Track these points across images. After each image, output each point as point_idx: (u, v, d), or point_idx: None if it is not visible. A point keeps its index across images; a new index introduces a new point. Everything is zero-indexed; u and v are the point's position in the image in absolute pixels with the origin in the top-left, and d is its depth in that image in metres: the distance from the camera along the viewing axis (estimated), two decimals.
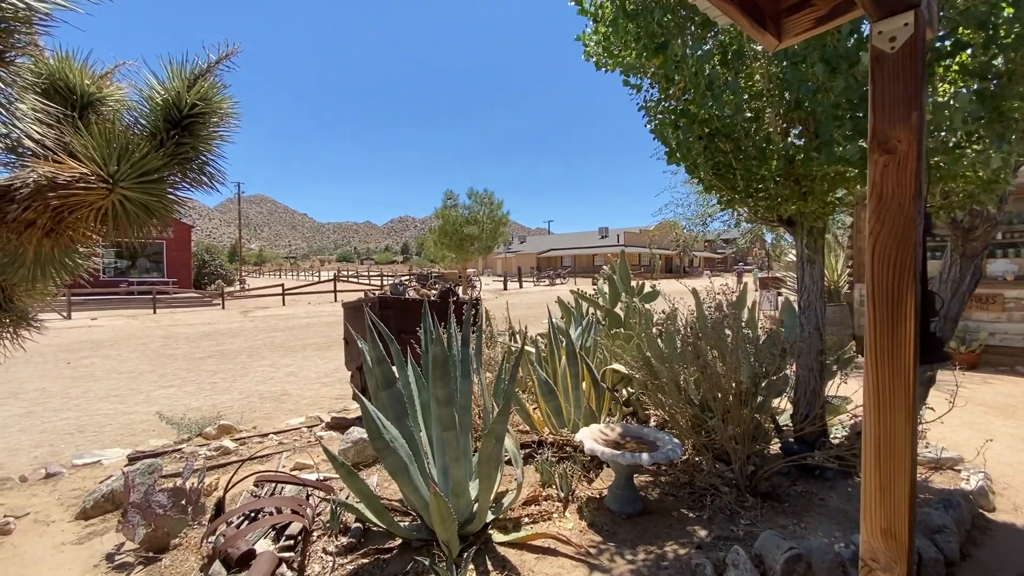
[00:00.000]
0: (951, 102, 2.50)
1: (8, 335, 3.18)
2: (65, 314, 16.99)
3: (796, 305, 3.68)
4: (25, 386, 7.25)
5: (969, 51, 2.55)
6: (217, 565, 2.29)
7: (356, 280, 38.75)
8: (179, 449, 3.94)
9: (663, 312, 4.50)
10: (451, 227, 29.52)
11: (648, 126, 3.70)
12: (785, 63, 3.01)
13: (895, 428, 1.19)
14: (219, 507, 2.68)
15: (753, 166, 3.27)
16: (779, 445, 3.53)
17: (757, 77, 3.56)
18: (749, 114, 3.31)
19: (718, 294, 3.71)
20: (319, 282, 30.29)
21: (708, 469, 3.11)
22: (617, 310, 5.06)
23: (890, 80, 1.19)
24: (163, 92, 2.47)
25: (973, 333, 7.55)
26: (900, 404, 1.18)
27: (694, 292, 4.14)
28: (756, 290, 13.54)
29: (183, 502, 2.76)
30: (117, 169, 2.17)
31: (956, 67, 2.59)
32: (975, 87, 2.61)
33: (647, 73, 3.72)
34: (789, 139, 3.33)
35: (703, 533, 2.63)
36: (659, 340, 3.77)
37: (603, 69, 3.77)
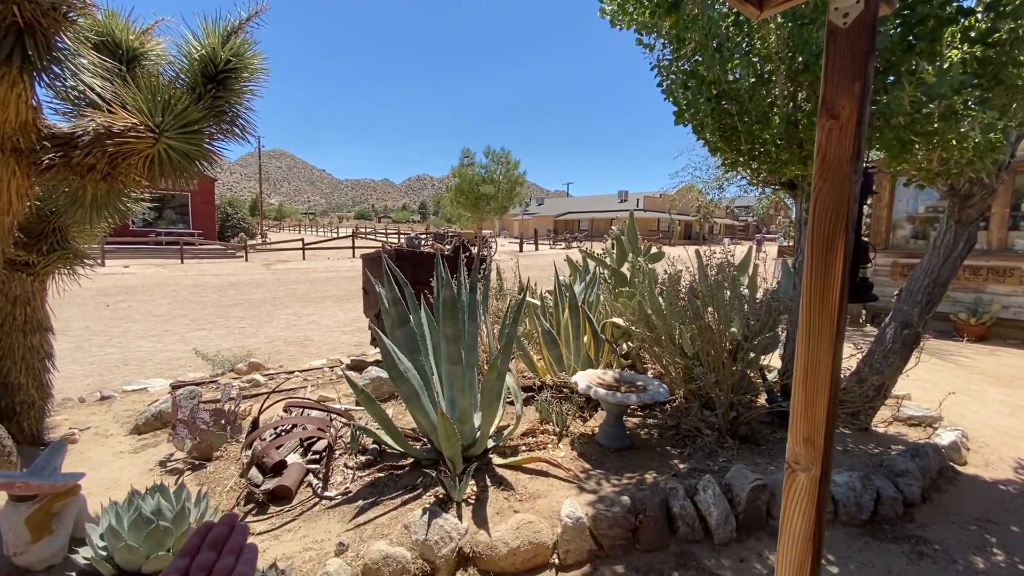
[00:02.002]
0: (950, 69, 2.57)
1: (65, 271, 3.55)
2: (100, 261, 17.74)
3: (792, 266, 3.84)
4: (71, 324, 7.80)
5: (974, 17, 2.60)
6: (254, 470, 2.66)
7: (374, 237, 39.23)
8: (215, 380, 4.35)
9: (667, 272, 4.68)
10: (467, 186, 29.47)
11: (660, 86, 3.78)
12: (792, 25, 3.06)
13: (820, 354, 1.40)
14: (254, 425, 3.05)
15: (756, 129, 3.37)
16: (766, 398, 3.77)
17: (772, 38, 3.60)
18: (753, 78, 3.38)
19: (721, 257, 3.87)
20: (338, 238, 30.81)
21: (695, 414, 3.38)
22: (623, 270, 5.25)
23: (840, 53, 1.35)
24: (199, 48, 2.67)
25: (986, 305, 7.55)
26: (826, 335, 1.39)
27: (697, 253, 4.30)
28: (776, 258, 13.50)
29: (223, 421, 3.14)
30: (162, 120, 2.42)
31: (959, 33, 2.64)
32: (978, 53, 2.67)
33: (660, 32, 3.77)
34: (794, 103, 3.40)
35: (682, 466, 2.92)
36: (660, 297, 3.98)
37: (618, 26, 3.82)
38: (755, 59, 3.38)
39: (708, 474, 2.67)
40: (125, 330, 7.58)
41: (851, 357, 3.53)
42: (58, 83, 2.12)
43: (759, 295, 4.08)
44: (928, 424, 3.79)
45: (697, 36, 3.32)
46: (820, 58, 2.91)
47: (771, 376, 3.99)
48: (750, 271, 4.53)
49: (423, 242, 6.05)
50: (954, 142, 2.96)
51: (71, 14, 2.02)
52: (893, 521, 2.69)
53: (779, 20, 3.34)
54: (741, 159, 3.56)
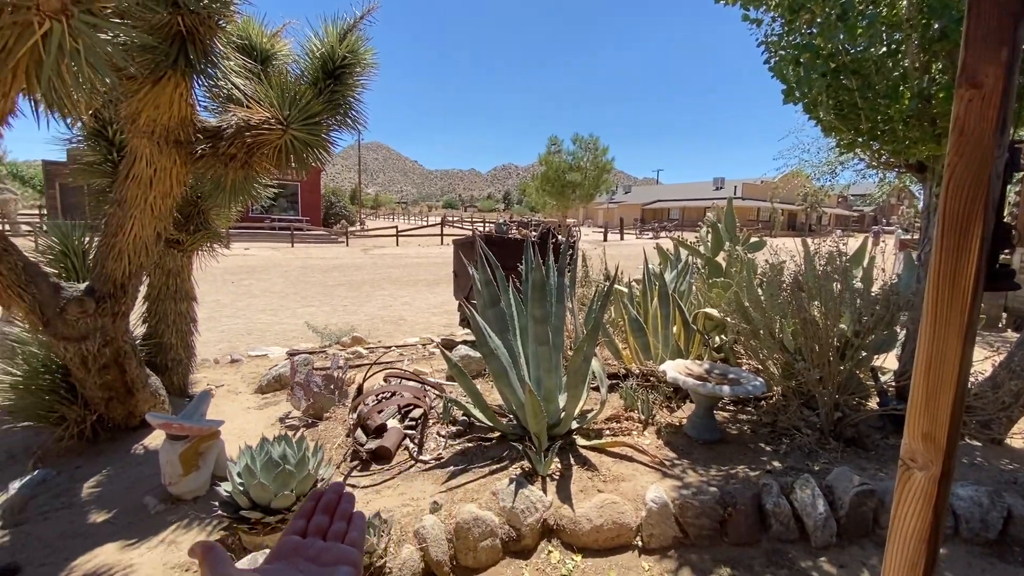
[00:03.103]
0: None
1: (206, 249, 4.08)
2: (226, 243, 20.03)
3: (917, 259, 3.46)
4: (204, 298, 8.86)
5: None
6: (359, 432, 2.93)
7: (460, 225, 40.50)
8: (323, 351, 4.81)
9: (768, 262, 4.41)
10: (554, 173, 29.39)
11: (767, 63, 3.55)
12: None
13: (947, 345, 1.30)
14: (359, 391, 3.34)
15: (881, 105, 3.06)
16: (877, 401, 3.46)
17: (904, 3, 3.24)
18: (884, 48, 3.06)
19: (831, 247, 3.58)
20: (427, 225, 32.22)
21: (793, 412, 3.18)
22: (719, 259, 5.01)
23: (985, 14, 1.22)
24: (320, 46, 2.94)
25: None
26: (955, 323, 1.29)
27: (804, 242, 4.01)
28: (896, 252, 12.08)
29: (332, 386, 3.48)
30: (289, 113, 2.70)
31: None
32: None
33: (771, 5, 3.53)
34: (928, 75, 3.04)
35: (777, 464, 2.79)
36: (759, 289, 3.77)
37: (722, 2, 3.63)
38: (882, 28, 3.06)
39: (807, 474, 2.53)
40: (247, 304, 8.55)
41: (985, 360, 3.14)
42: (210, 83, 2.46)
43: (875, 289, 3.73)
44: None
45: (815, 6, 3.07)
46: (961, 24, 2.58)
47: (885, 378, 3.64)
48: (864, 263, 4.14)
49: (510, 227, 6.22)
50: None
51: (221, 22, 2.33)
52: None
53: None
54: (860, 139, 3.26)
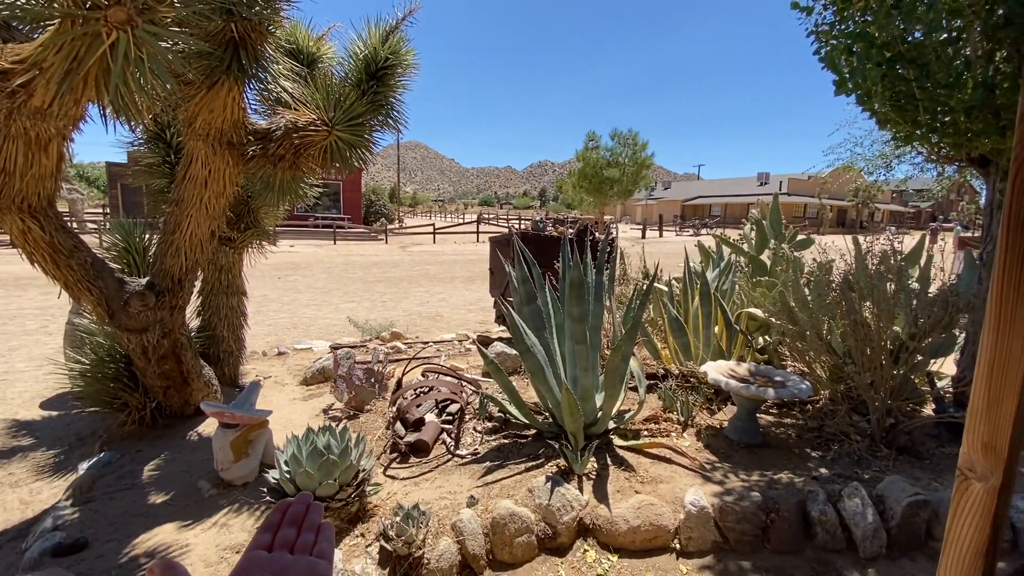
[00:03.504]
0: None
1: (256, 246, 4.26)
2: (273, 240, 20.84)
3: (978, 258, 3.25)
4: (252, 292, 9.24)
5: None
6: (398, 424, 3.00)
7: (496, 222, 40.72)
8: (364, 345, 4.95)
9: (815, 261, 4.24)
10: (591, 169, 29.10)
11: (817, 53, 3.41)
12: None
13: (1011, 349, 1.23)
14: (398, 385, 3.43)
15: (941, 95, 2.89)
16: (933, 408, 3.28)
17: None
18: (945, 35, 2.89)
19: (884, 245, 3.41)
20: (464, 223, 32.53)
21: (842, 417, 3.06)
22: (763, 258, 4.86)
23: None
24: (363, 48, 3.02)
25: None
26: (1020, 327, 1.22)
27: (855, 239, 3.83)
28: (954, 250, 11.37)
29: (372, 380, 3.57)
30: (334, 115, 2.78)
31: None
32: None
33: None
34: (992, 64, 2.85)
35: (824, 471, 2.68)
36: (805, 288, 3.63)
37: None
38: (942, 14, 2.89)
39: (856, 482, 2.43)
40: (293, 299, 8.88)
41: None
42: (261, 87, 2.57)
43: (932, 290, 3.52)
44: None
45: None
46: None
47: (942, 383, 3.45)
48: (922, 262, 3.92)
49: (547, 224, 6.22)
50: None
51: (271, 27, 2.42)
52: None
53: None
54: (918, 132, 3.09)
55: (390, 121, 3.21)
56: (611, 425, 2.99)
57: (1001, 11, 2.65)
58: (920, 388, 3.19)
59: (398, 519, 2.12)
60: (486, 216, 50.00)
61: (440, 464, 2.77)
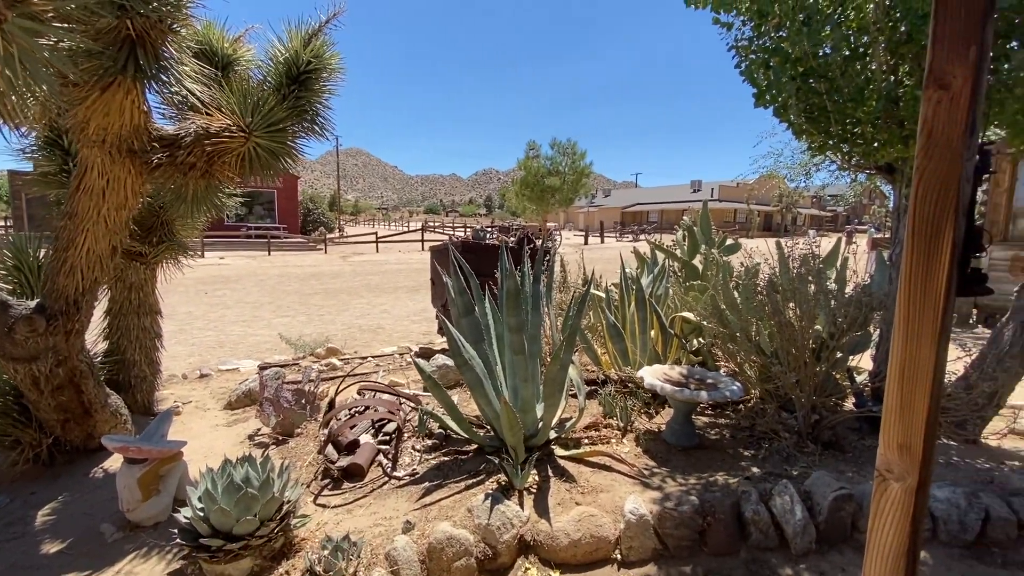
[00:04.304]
0: None
1: (171, 261, 3.93)
2: (200, 252, 19.58)
3: (888, 259, 3.50)
4: (176, 309, 8.68)
5: None
6: (330, 448, 2.83)
7: (442, 230, 40.34)
8: (296, 363, 4.67)
9: (743, 265, 4.43)
10: (532, 178, 29.48)
11: (738, 67, 3.56)
12: None
13: (920, 352, 1.27)
14: (331, 405, 3.24)
15: (849, 108, 3.09)
16: (854, 402, 3.48)
17: (870, 7, 3.29)
18: (848, 51, 3.09)
19: (805, 249, 3.60)
20: (408, 231, 31.97)
21: (771, 415, 3.18)
22: (695, 262, 5.02)
23: (952, 13, 1.20)
24: (284, 51, 2.85)
25: None
26: (928, 330, 1.26)
27: (778, 243, 4.03)
28: (868, 251, 12.34)
29: (303, 401, 3.36)
30: (252, 120, 2.60)
31: None
32: None
33: (740, 9, 3.55)
34: (895, 77, 3.08)
35: (756, 470, 2.76)
36: (735, 291, 3.77)
37: (693, 5, 3.63)
38: (848, 32, 3.10)
39: (785, 479, 2.51)
40: (221, 315, 8.32)
41: (957, 360, 3.17)
42: (164, 89, 2.35)
43: (848, 290, 3.76)
44: None
45: (781, 10, 3.09)
46: (926, 24, 2.62)
47: (860, 378, 3.67)
48: (838, 264, 4.18)
49: (489, 235, 6.18)
50: None
51: (175, 26, 2.22)
52: (1004, 544, 2.39)
53: None
54: (831, 142, 3.29)
55: (316, 127, 3.05)
56: (552, 435, 2.96)
57: (903, 28, 2.87)
58: (841, 384, 3.37)
59: (326, 553, 1.97)
60: (431, 224, 49.45)
61: (376, 488, 2.63)
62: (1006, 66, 2.60)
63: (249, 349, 6.07)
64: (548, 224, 31.69)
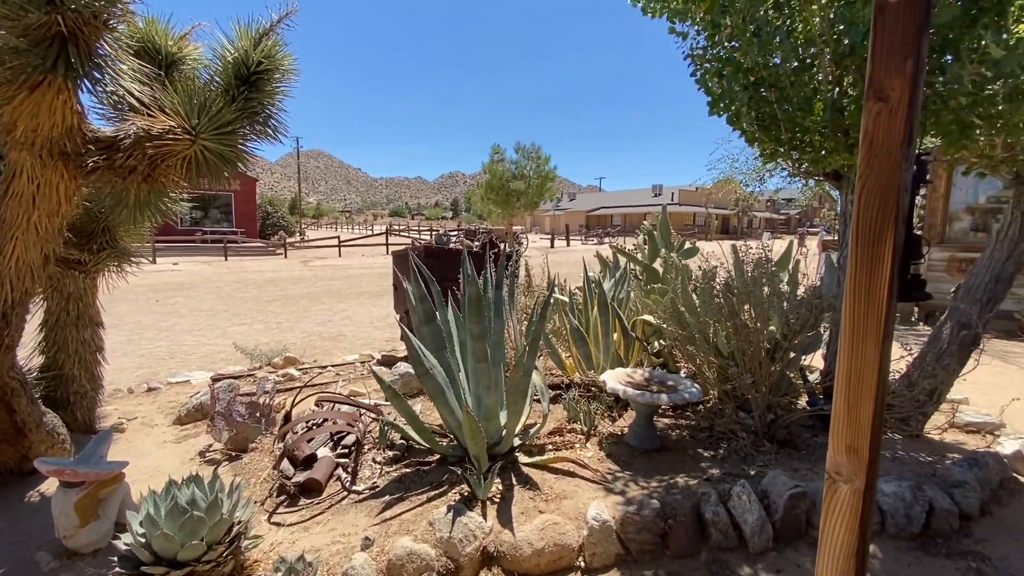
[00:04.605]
0: (1016, 44, 2.38)
1: (114, 269, 3.71)
2: (151, 259, 18.68)
3: (837, 262, 3.64)
4: (124, 319, 8.23)
5: None
6: (286, 463, 2.72)
7: (407, 234, 39.89)
8: (252, 374, 4.49)
9: (701, 268, 4.53)
10: (497, 182, 29.54)
11: (693, 76, 3.64)
12: (837, 3, 2.89)
13: (865, 357, 1.30)
14: (287, 418, 3.12)
15: (798, 116, 3.20)
16: (807, 401, 3.60)
17: (816, 20, 3.42)
18: (797, 62, 3.21)
19: (759, 252, 3.71)
20: (372, 235, 31.44)
21: (729, 416, 3.25)
22: (656, 266, 5.11)
23: (890, 28, 1.24)
24: (233, 51, 2.73)
25: None
26: (872, 336, 1.29)
27: (733, 248, 4.14)
28: (818, 253, 12.90)
29: (257, 414, 3.22)
30: (198, 122, 2.48)
31: None
32: None
33: (695, 19, 3.63)
34: (839, 88, 3.21)
35: (715, 470, 2.82)
36: (693, 294, 3.85)
37: (650, 14, 3.70)
38: (796, 43, 3.22)
39: (743, 479, 2.56)
40: (173, 324, 7.94)
41: (900, 359, 3.33)
42: (100, 88, 2.21)
43: (800, 292, 3.89)
44: (988, 431, 3.54)
45: (733, 21, 3.18)
46: (867, 38, 2.75)
47: (813, 377, 3.81)
48: (790, 267, 4.33)
49: (452, 239, 6.14)
50: (1021, 125, 2.73)
51: (111, 22, 2.10)
52: (948, 535, 2.51)
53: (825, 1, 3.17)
54: (781, 149, 3.40)
55: (269, 130, 2.93)
56: (516, 442, 2.94)
57: (846, 41, 2.99)
58: (795, 383, 3.48)
59: (279, 575, 1.88)
60: (396, 227, 48.81)
61: (334, 503, 2.54)
62: (941, 79, 2.74)
63: (202, 360, 5.80)
64: (515, 227, 31.80)
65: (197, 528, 1.90)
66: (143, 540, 1.90)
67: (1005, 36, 2.47)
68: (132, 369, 5.43)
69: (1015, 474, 3.14)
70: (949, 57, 2.83)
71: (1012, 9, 2.54)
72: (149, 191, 2.67)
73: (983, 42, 2.48)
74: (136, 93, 2.30)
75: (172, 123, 2.42)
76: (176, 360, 5.80)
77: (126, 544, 1.95)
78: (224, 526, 1.98)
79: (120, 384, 4.61)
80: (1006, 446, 3.27)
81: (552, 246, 31.38)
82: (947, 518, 2.56)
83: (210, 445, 3.20)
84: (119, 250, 3.61)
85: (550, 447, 3.01)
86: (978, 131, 2.82)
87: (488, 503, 2.45)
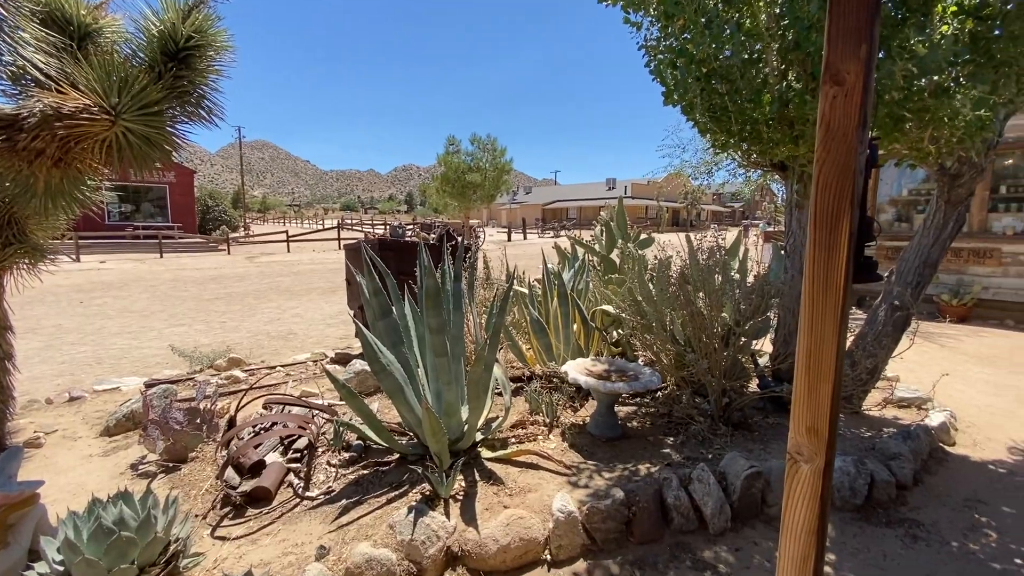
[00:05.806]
0: (941, 43, 2.50)
1: (25, 267, 3.35)
2: (74, 256, 17.24)
3: (782, 250, 3.78)
4: (42, 322, 7.53)
5: None
6: (231, 471, 2.53)
7: (360, 228, 38.81)
8: (192, 378, 4.19)
9: (657, 258, 4.60)
10: (453, 174, 29.14)
11: (648, 66, 3.66)
12: None
13: (824, 338, 1.31)
14: (231, 423, 2.91)
15: (747, 108, 3.27)
16: (758, 384, 3.72)
17: (763, 16, 3.49)
18: (747, 55, 3.28)
19: (711, 242, 3.79)
20: (323, 229, 30.35)
21: (687, 401, 3.31)
22: (613, 256, 5.16)
23: (846, 13, 1.24)
24: (158, 23, 2.49)
25: (967, 287, 7.63)
26: (830, 317, 1.30)
27: (688, 238, 4.22)
28: (760, 243, 13.51)
29: (198, 420, 3.00)
30: (119, 101, 2.25)
31: (953, 7, 2.57)
32: (969, 28, 2.61)
33: (648, 10, 3.64)
34: (786, 81, 3.31)
35: (676, 455, 2.86)
36: (650, 283, 3.90)
37: (605, 2, 3.67)
38: (744, 37, 3.28)
39: (702, 463, 2.61)
40: (99, 327, 7.33)
41: None
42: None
43: (750, 279, 4.02)
44: (918, 406, 3.78)
45: (686, 12, 3.20)
46: (811, 33, 2.83)
47: (763, 361, 3.95)
48: (740, 255, 4.47)
49: (408, 232, 5.97)
50: (946, 119, 2.90)
51: None
52: (887, 505, 2.66)
53: None
54: (732, 140, 3.47)
55: (202, 112, 2.71)
56: (478, 437, 2.87)
57: (791, 36, 3.08)
58: (747, 367, 3.59)
59: None
60: (349, 222, 47.39)
61: (286, 512, 2.38)
62: (875, 75, 2.87)
63: (135, 365, 5.37)
64: (471, 221, 31.54)
65: (127, 550, 1.72)
66: (61, 568, 1.71)
67: (929, 31, 2.60)
68: (52, 377, 4.95)
69: (941, 444, 3.37)
70: (881, 53, 2.96)
71: (937, 10, 2.68)
72: (62, 178, 2.40)
73: (911, 40, 2.61)
74: (41, 65, 2.05)
75: (87, 101, 2.17)
76: (104, 366, 5.35)
77: (40, 574, 1.74)
78: (159, 545, 1.81)
79: (37, 394, 4.20)
80: (933, 419, 3.51)
81: (510, 239, 31.37)
82: (886, 489, 2.71)
83: (143, 457, 2.94)
84: (29, 245, 3.25)
85: (513, 440, 2.96)
86: (909, 124, 2.98)
87: (451, 501, 2.37)
